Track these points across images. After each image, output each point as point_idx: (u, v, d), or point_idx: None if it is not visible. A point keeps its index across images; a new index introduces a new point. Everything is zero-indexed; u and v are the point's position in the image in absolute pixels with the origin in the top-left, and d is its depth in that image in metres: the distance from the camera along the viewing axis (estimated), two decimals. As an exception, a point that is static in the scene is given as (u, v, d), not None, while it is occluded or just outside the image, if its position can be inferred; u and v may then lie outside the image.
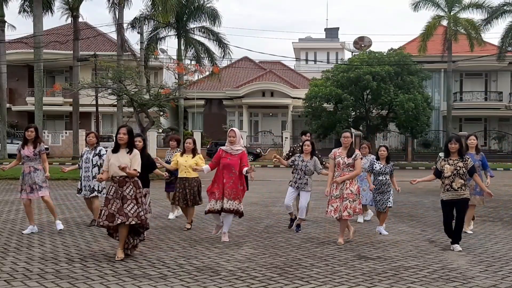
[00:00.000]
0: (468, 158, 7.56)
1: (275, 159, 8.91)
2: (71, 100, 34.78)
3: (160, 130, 38.43)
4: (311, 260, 6.62)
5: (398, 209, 11.48)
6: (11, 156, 33.43)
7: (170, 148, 10.21)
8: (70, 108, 36.94)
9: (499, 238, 8.37)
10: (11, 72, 37.56)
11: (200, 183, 9.03)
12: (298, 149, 9.31)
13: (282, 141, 39.55)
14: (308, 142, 8.79)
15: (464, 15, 33.76)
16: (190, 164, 8.65)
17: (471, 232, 8.77)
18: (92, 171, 8.92)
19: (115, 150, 6.64)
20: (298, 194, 8.74)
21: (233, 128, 8.05)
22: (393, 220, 9.75)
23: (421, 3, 33.82)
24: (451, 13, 33.60)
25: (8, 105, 36.58)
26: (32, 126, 8.46)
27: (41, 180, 8.38)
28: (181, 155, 9.00)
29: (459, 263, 6.54)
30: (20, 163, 8.58)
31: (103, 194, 8.53)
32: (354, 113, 32.35)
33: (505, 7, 32.98)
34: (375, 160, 8.76)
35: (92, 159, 8.94)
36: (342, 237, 7.80)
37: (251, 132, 42.58)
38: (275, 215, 10.52)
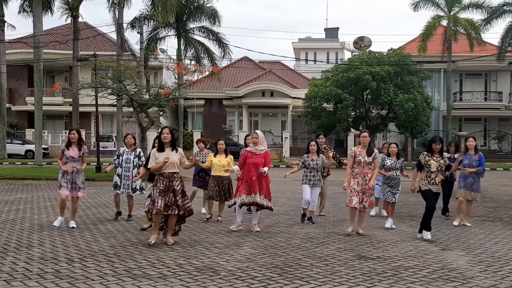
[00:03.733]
0: (445, 157, 8.48)
1: (291, 174, 9.70)
2: (71, 100, 34.76)
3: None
4: (311, 260, 6.62)
5: (398, 209, 11.46)
6: (11, 156, 33.43)
7: (198, 150, 10.87)
8: (70, 108, 36.91)
9: (499, 238, 8.38)
10: (11, 72, 37.56)
11: (231, 181, 9.85)
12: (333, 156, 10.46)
13: (282, 141, 39.54)
14: (313, 143, 9.65)
15: (464, 15, 33.82)
16: (223, 164, 9.52)
17: (470, 225, 9.55)
18: (132, 172, 9.52)
19: (161, 149, 7.44)
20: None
21: (256, 131, 8.95)
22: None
23: (421, 3, 33.84)
24: (451, 13, 33.62)
25: (8, 105, 36.60)
26: (75, 129, 9.10)
27: (81, 181, 9.00)
28: (215, 155, 9.80)
29: (459, 263, 6.55)
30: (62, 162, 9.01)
31: (144, 192, 9.28)
32: (354, 113, 32.36)
33: (505, 7, 33.02)
34: (386, 157, 9.55)
35: (133, 160, 9.56)
36: (352, 226, 8.48)
37: (251, 132, 42.44)
38: (274, 215, 10.51)
